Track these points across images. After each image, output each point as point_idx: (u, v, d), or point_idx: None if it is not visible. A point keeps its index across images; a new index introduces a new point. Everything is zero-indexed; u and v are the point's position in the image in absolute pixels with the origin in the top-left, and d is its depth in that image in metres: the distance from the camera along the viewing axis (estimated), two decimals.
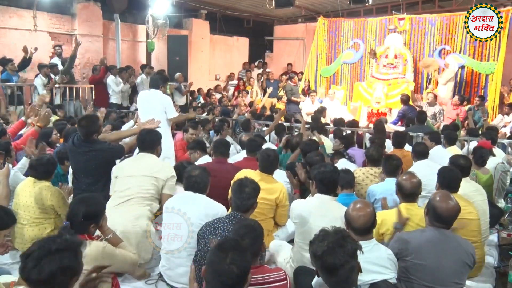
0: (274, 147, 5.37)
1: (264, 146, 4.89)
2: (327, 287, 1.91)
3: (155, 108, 4.69)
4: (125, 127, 5.29)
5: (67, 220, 2.35)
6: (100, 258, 2.26)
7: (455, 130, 5.95)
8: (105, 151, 3.50)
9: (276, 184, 3.53)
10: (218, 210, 2.95)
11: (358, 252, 2.21)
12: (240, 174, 3.57)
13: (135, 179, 3.23)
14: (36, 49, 8.03)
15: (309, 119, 7.29)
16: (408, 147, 5.26)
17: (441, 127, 7.01)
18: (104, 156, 3.51)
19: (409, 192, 2.97)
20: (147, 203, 3.21)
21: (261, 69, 12.67)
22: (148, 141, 3.46)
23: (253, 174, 3.46)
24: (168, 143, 4.79)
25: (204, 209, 2.92)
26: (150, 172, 3.26)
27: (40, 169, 3.40)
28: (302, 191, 3.90)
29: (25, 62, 7.93)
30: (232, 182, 3.61)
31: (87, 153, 3.46)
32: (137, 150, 3.66)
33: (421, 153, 4.22)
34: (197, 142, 4.85)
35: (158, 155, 3.52)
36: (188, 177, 3.04)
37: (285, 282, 2.20)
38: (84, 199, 2.44)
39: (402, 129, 6.66)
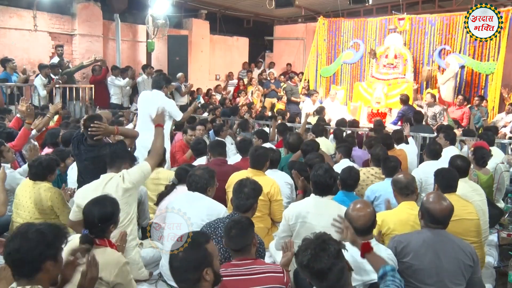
0: (273, 148, 5.38)
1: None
2: None
3: (155, 109, 4.68)
4: None
5: (85, 228, 2.26)
6: (114, 271, 2.22)
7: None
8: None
9: (267, 179, 3.55)
10: (220, 211, 2.96)
11: (357, 251, 2.21)
12: (233, 177, 3.58)
13: None
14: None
15: (308, 119, 7.30)
16: (404, 146, 5.30)
17: None
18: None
19: (404, 185, 2.97)
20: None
21: (261, 69, 12.68)
22: (118, 157, 3.09)
23: (245, 173, 3.51)
24: (167, 144, 4.82)
25: (207, 209, 2.92)
26: (117, 194, 2.81)
27: (32, 171, 3.41)
28: (305, 192, 3.89)
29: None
30: (226, 186, 3.64)
31: (94, 158, 3.38)
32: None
33: (433, 153, 4.20)
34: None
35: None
36: (189, 176, 3.04)
37: (281, 274, 2.23)
38: (96, 201, 2.37)
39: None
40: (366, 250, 2.20)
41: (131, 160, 3.23)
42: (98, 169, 3.30)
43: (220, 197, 3.60)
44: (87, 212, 2.31)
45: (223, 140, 5.46)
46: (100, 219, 2.25)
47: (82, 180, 3.52)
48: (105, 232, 2.31)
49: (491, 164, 4.50)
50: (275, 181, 3.60)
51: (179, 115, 4.83)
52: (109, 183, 2.90)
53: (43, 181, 3.42)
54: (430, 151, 4.25)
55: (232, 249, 2.30)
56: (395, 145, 5.17)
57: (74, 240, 2.26)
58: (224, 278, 2.11)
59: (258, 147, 3.83)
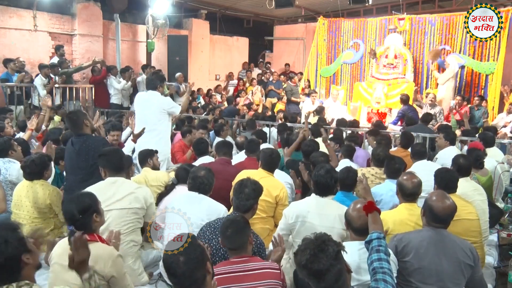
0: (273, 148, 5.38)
1: (263, 146, 4.91)
2: None
3: (153, 110, 4.69)
4: (125, 133, 5.29)
5: (69, 225, 2.28)
6: (108, 263, 2.22)
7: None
8: (99, 141, 3.56)
9: (277, 182, 3.54)
10: (220, 211, 2.96)
11: (357, 251, 2.20)
12: (242, 174, 3.58)
13: (111, 213, 2.79)
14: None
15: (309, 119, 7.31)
16: None
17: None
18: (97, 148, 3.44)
19: (410, 192, 2.95)
20: (129, 239, 2.86)
21: (262, 69, 12.68)
22: (120, 162, 3.03)
23: (255, 173, 3.49)
24: (167, 144, 4.83)
25: (207, 209, 2.93)
26: (129, 203, 2.86)
27: (26, 171, 3.41)
28: (303, 191, 3.90)
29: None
30: (233, 183, 3.64)
31: (81, 145, 3.46)
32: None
33: (419, 154, 4.22)
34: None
35: (130, 176, 3.22)
36: (194, 178, 3.04)
37: (278, 271, 2.26)
38: (71, 198, 2.35)
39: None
40: (369, 210, 2.26)
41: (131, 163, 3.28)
42: (86, 159, 3.39)
43: (223, 197, 3.60)
44: (66, 208, 2.28)
45: (230, 140, 5.45)
46: (79, 211, 2.22)
47: (67, 180, 3.58)
48: (90, 224, 2.26)
49: (491, 164, 4.50)
50: (284, 186, 3.59)
51: (177, 109, 4.85)
52: (124, 186, 2.90)
53: (40, 179, 3.42)
54: (414, 152, 4.30)
55: (229, 248, 2.32)
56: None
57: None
58: (222, 276, 2.16)
59: (273, 150, 3.81)
